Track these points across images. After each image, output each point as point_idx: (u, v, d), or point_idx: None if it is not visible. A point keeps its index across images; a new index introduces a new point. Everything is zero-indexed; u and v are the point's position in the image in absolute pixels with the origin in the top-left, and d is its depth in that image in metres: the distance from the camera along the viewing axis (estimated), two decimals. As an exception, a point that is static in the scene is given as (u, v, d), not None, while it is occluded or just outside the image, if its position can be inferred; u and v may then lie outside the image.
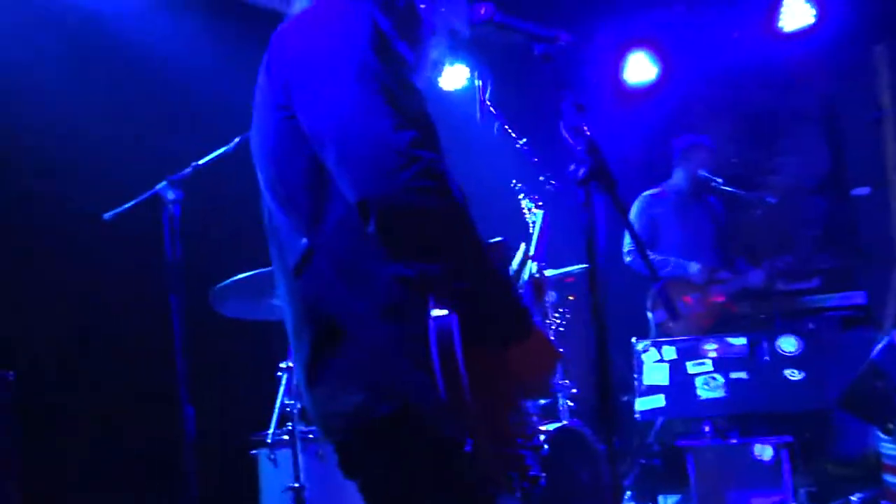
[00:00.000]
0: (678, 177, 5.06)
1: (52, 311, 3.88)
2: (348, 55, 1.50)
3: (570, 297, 3.79)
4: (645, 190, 5.09)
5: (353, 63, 1.49)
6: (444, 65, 1.75)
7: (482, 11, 1.69)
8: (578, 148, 1.61)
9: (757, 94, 5.95)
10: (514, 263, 2.38)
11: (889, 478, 3.70)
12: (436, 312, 1.45)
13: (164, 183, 3.26)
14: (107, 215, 3.32)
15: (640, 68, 5.86)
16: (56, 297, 3.91)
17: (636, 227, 4.86)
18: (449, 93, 5.23)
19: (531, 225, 2.95)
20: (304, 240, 1.55)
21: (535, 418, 3.19)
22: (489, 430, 1.50)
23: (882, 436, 3.74)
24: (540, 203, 3.06)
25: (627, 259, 4.83)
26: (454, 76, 5.23)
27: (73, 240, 3.93)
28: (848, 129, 5.79)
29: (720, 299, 4.78)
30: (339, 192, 1.50)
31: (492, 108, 3.09)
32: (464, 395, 1.43)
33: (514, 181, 3.21)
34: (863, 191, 5.51)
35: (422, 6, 1.67)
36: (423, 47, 1.68)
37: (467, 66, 5.06)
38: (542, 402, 3.76)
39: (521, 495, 1.59)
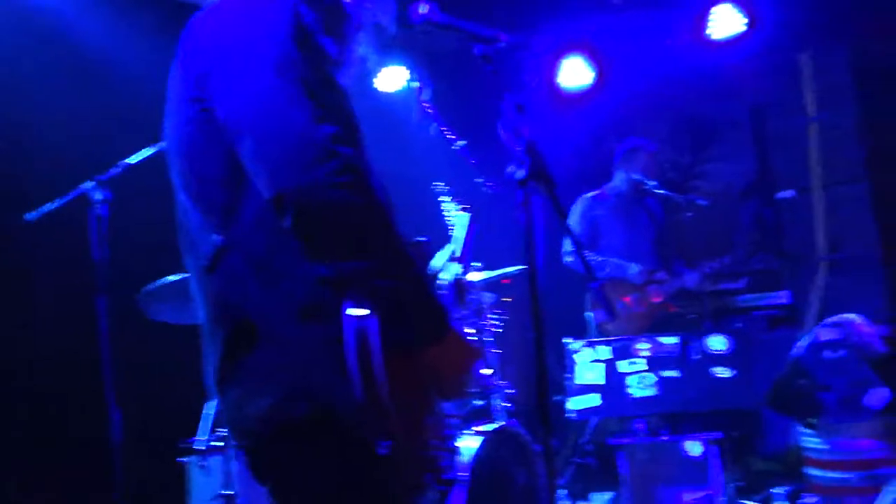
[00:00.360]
0: (618, 179, 5.10)
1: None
2: (268, 46, 1.45)
3: (507, 299, 3.80)
4: (580, 192, 5.13)
5: (272, 54, 1.44)
6: (371, 62, 1.71)
7: (421, 10, 1.67)
8: (517, 149, 1.61)
9: (688, 99, 6.09)
10: (436, 263, 2.37)
11: (810, 471, 3.83)
12: (353, 311, 1.41)
13: (91, 183, 3.16)
14: (30, 215, 3.20)
15: (575, 73, 5.93)
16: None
17: (577, 228, 4.94)
18: (386, 94, 5.20)
19: (453, 228, 2.95)
20: (216, 236, 1.50)
21: (453, 419, 3.19)
22: (406, 431, 1.47)
23: (804, 431, 3.87)
24: (467, 206, 3.05)
25: (568, 259, 4.87)
26: (392, 77, 5.20)
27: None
28: (774, 135, 5.98)
29: (658, 300, 4.87)
30: (255, 188, 1.45)
31: (429, 110, 3.09)
32: (381, 396, 1.40)
33: (438, 183, 3.18)
34: (788, 194, 5.71)
35: (348, 1, 1.63)
36: (349, 43, 1.64)
37: (405, 67, 5.05)
38: (480, 403, 3.76)
39: (436, 497, 1.57)
